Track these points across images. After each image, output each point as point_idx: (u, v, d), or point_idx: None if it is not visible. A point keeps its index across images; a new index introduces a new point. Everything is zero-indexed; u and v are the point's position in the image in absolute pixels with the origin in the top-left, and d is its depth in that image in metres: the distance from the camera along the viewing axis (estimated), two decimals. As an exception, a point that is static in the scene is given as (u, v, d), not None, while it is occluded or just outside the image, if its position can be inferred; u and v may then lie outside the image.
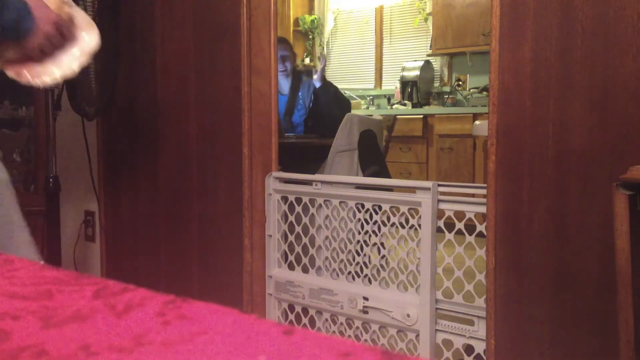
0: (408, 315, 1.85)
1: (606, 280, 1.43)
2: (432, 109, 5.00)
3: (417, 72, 5.25)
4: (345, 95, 3.50)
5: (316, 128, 3.11)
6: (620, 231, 1.12)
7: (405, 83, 5.29)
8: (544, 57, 1.53)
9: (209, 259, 2.39)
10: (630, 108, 1.41)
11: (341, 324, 2.04)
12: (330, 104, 3.11)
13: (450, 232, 1.79)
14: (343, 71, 6.00)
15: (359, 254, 2.05)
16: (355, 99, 5.59)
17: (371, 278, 1.99)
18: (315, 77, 3.28)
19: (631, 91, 1.41)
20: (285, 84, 3.31)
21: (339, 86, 3.42)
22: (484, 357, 1.71)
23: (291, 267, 2.20)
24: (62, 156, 2.62)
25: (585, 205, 1.49)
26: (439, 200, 1.81)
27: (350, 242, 2.05)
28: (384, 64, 5.81)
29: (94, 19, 2.26)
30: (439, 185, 1.83)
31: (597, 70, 1.45)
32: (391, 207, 1.93)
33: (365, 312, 1.96)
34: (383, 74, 5.82)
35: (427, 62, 5.34)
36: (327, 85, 3.25)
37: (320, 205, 2.10)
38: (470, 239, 1.75)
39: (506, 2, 1.58)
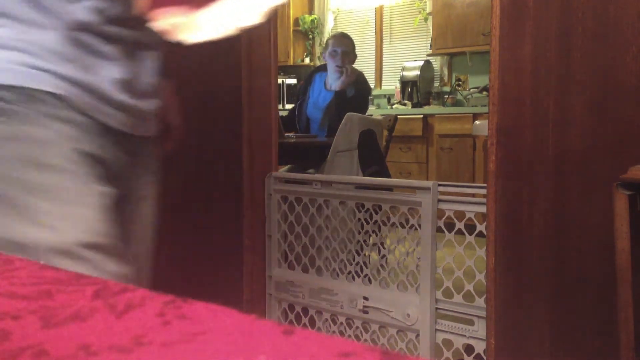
0: (408, 315, 1.85)
1: (606, 281, 1.42)
2: (432, 109, 5.00)
3: (417, 72, 5.25)
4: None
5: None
6: (620, 231, 1.12)
7: (405, 83, 5.29)
8: (544, 57, 1.53)
9: (209, 259, 2.39)
10: (630, 108, 1.41)
11: (341, 324, 2.04)
12: (340, 114, 2.90)
13: (450, 232, 1.79)
14: (343, 71, 6.00)
15: (359, 254, 2.05)
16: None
17: (371, 278, 1.99)
18: (339, 82, 3.14)
19: (631, 91, 1.41)
20: (336, 82, 3.18)
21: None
22: (484, 357, 1.71)
23: (291, 267, 2.20)
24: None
25: (585, 205, 1.49)
26: (439, 200, 1.81)
27: (350, 242, 2.05)
28: (384, 64, 5.81)
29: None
30: (439, 185, 1.83)
31: (597, 70, 1.45)
32: (391, 207, 1.93)
33: (365, 312, 1.96)
34: (383, 74, 5.82)
35: (427, 62, 5.34)
36: (344, 95, 3.12)
37: (320, 205, 2.10)
38: (470, 239, 1.75)
39: (506, 2, 1.58)
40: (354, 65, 3.29)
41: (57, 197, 0.73)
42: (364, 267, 2.02)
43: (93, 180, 0.77)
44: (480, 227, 1.71)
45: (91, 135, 0.79)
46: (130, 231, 0.90)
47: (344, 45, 3.22)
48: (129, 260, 0.87)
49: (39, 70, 0.73)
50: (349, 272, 2.05)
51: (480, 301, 1.72)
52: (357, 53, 3.36)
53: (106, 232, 0.76)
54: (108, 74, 0.81)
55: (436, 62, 5.44)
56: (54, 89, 0.74)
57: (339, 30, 5.55)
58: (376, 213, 1.99)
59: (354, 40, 3.40)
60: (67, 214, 0.73)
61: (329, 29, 6.05)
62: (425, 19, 5.43)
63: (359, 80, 3.25)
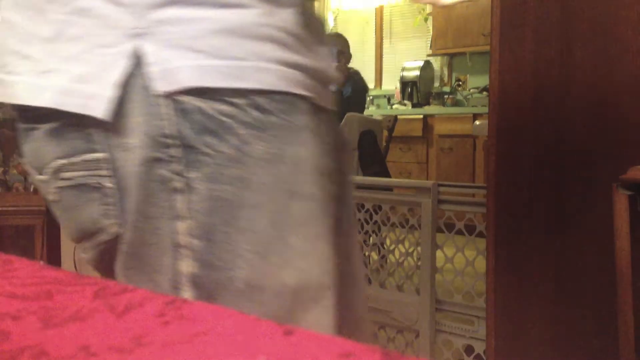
0: (408, 315, 1.85)
1: (606, 280, 1.42)
2: (432, 109, 5.00)
3: (417, 72, 5.25)
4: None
5: None
6: (620, 231, 1.12)
7: (405, 83, 5.29)
8: (544, 57, 1.53)
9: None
10: (630, 108, 1.41)
11: (341, 324, 2.04)
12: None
13: (450, 232, 1.79)
14: (343, 71, 6.00)
15: (359, 254, 2.05)
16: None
17: (371, 278, 1.99)
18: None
19: (631, 91, 1.41)
20: None
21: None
22: (484, 357, 1.71)
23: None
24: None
25: (585, 205, 1.49)
26: (439, 201, 1.81)
27: (350, 242, 2.05)
28: (384, 64, 5.81)
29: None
30: (439, 185, 1.83)
31: (597, 70, 1.45)
32: (391, 208, 1.93)
33: (365, 312, 1.96)
34: (383, 74, 5.82)
35: (427, 62, 5.34)
36: (340, 95, 3.14)
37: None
38: (470, 239, 1.75)
39: (506, 2, 1.58)
40: (349, 65, 3.30)
41: (308, 233, 0.60)
42: (363, 267, 2.02)
43: (330, 208, 0.63)
44: (480, 227, 1.71)
45: (329, 146, 0.64)
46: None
47: (339, 45, 3.24)
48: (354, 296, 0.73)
49: (290, 67, 0.58)
50: (349, 272, 2.05)
51: (480, 301, 1.72)
52: (355, 53, 3.37)
53: (338, 271, 0.63)
54: (329, 62, 0.66)
55: (436, 63, 5.44)
56: (305, 91, 0.59)
57: (334, 31, 5.56)
58: (376, 213, 1.99)
59: (354, 41, 3.41)
60: (316, 252, 0.61)
61: (329, 29, 6.05)
62: (425, 19, 5.43)
63: (354, 78, 3.26)
